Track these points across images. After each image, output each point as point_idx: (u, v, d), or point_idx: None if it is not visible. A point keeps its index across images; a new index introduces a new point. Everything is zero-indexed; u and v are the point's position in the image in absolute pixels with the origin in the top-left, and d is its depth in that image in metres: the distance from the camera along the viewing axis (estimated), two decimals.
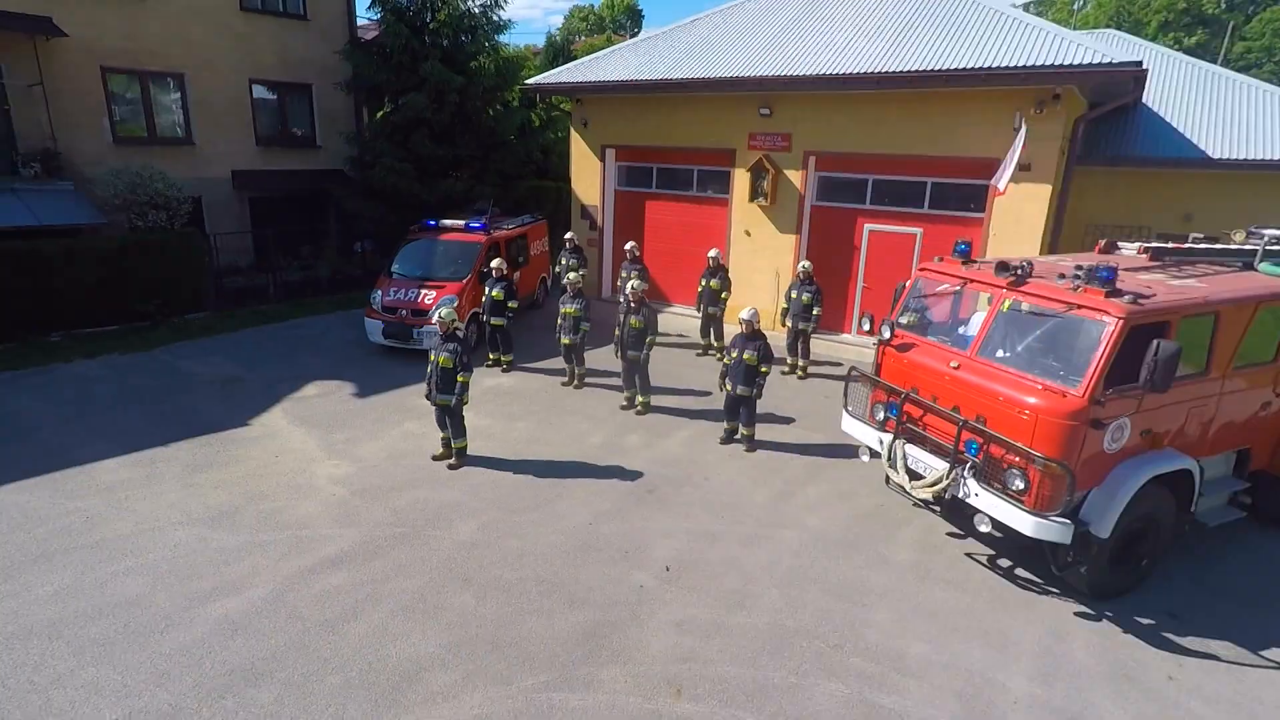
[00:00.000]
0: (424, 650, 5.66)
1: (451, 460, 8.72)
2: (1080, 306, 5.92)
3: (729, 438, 9.57)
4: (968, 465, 6.30)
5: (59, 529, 7.05)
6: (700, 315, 13.20)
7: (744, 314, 9.03)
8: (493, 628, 5.95)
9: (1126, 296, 5.75)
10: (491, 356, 12.22)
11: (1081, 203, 15.34)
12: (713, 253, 12.75)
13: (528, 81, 16.30)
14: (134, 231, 13.64)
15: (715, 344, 13.10)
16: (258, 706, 5.05)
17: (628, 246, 13.61)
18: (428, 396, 8.58)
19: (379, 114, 18.68)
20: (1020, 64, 10.87)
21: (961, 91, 11.86)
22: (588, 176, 16.59)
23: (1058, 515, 5.81)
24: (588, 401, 10.90)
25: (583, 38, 47.68)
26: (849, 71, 12.20)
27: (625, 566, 6.86)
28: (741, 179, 14.35)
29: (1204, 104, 15.01)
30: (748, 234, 14.73)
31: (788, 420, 10.44)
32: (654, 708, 5.20)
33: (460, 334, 8.56)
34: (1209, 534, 7.49)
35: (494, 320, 11.84)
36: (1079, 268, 6.07)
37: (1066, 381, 5.81)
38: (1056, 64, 10.61)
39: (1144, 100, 15.25)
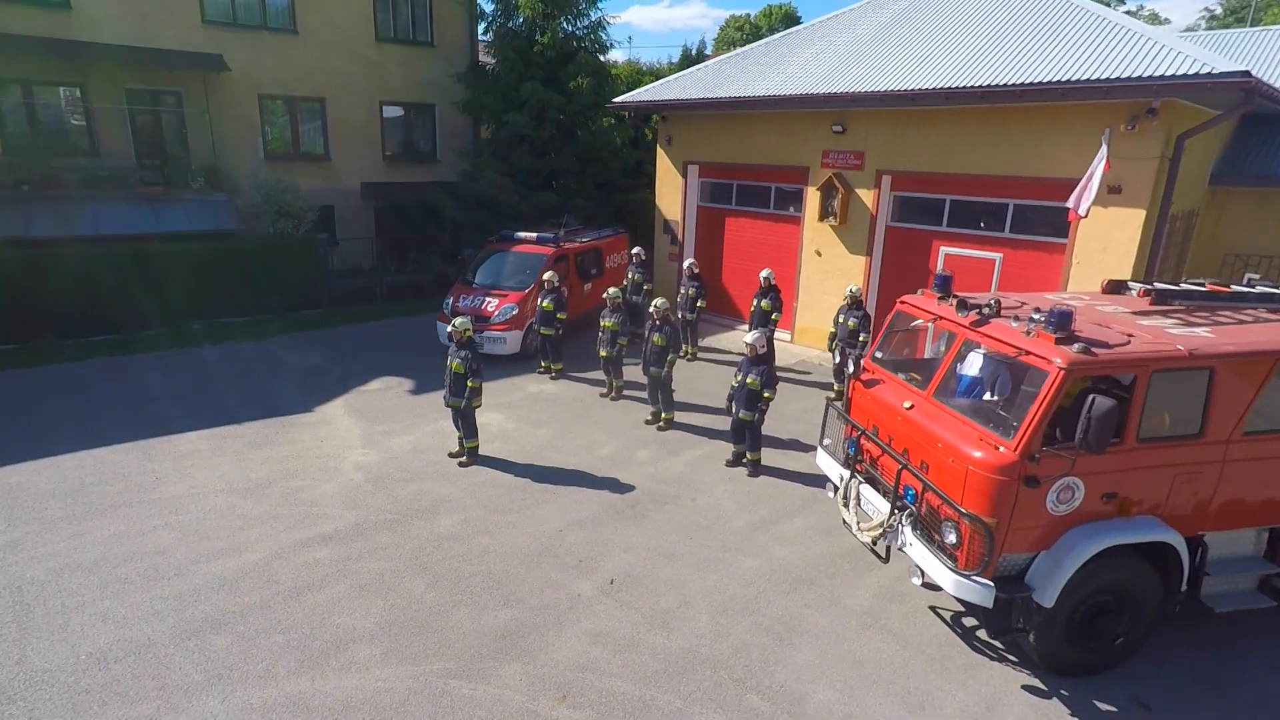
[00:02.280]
0: (360, 625, 6.33)
1: (463, 458, 9.45)
2: (1027, 353, 5.44)
3: (736, 461, 9.54)
4: (906, 513, 5.97)
5: (133, 485, 8.56)
6: None
7: (748, 338, 8.98)
8: (427, 614, 6.51)
9: (1076, 345, 5.22)
10: (543, 364, 12.92)
11: (1221, 228, 13.53)
12: (765, 273, 12.63)
13: (614, 100, 16.96)
14: (265, 237, 15.82)
15: None
16: (211, 650, 5.95)
17: (686, 263, 13.80)
18: (445, 399, 9.37)
19: (488, 130, 20.19)
20: (1101, 77, 9.87)
21: (1043, 107, 10.94)
22: (670, 192, 16.95)
23: (981, 576, 5.38)
24: (616, 414, 11.26)
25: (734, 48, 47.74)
26: (917, 87, 11.64)
27: (573, 575, 7.17)
28: (813, 197, 14.06)
29: None
30: (818, 254, 14.39)
31: (810, 448, 10.16)
32: (535, 708, 5.49)
33: (474, 341, 9.25)
34: (1249, 624, 6.48)
35: (543, 330, 12.54)
36: (1037, 310, 5.57)
37: (1005, 433, 5.38)
38: (1143, 76, 9.54)
39: None
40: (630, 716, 5.44)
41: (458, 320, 9.11)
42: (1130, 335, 5.57)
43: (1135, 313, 6.29)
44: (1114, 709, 5.63)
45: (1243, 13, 43.18)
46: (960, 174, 12.21)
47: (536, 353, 13.27)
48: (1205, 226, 13.48)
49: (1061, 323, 5.33)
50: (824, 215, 13.86)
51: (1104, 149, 9.85)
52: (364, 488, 8.75)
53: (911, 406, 6.21)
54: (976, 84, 10.97)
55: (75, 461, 9.07)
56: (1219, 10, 43.63)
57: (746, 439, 9.30)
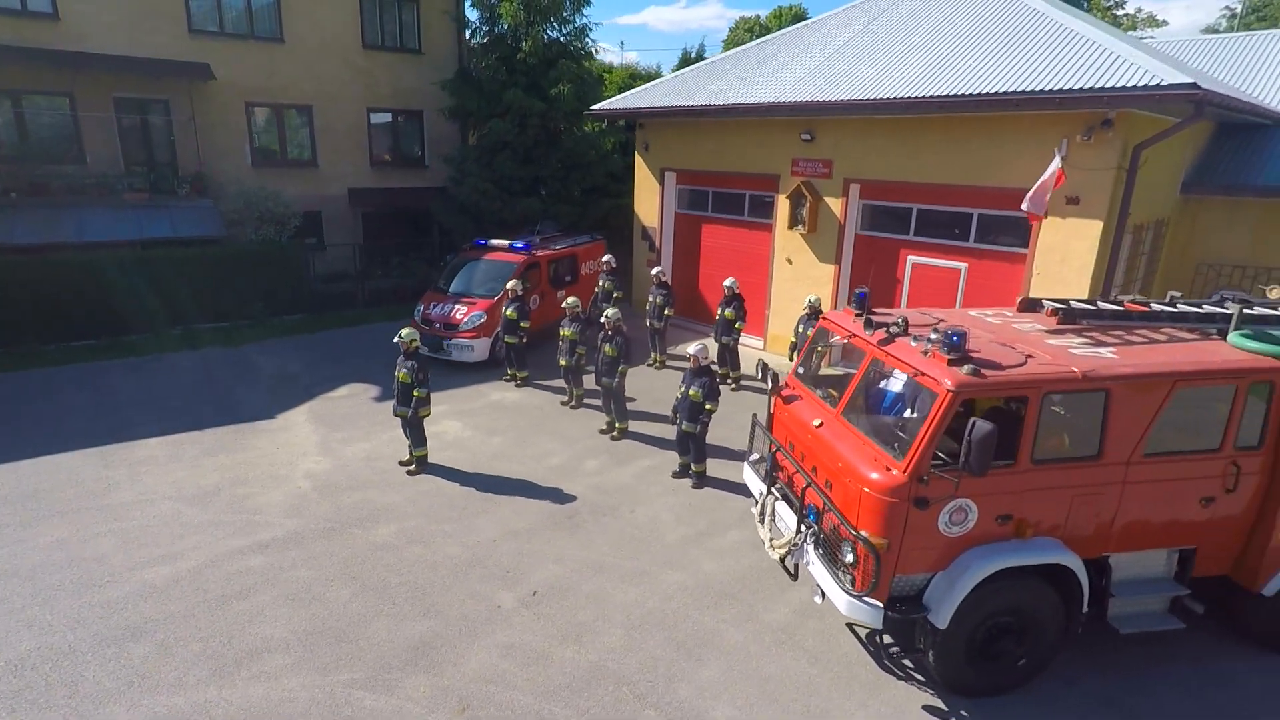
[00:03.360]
0: (278, 634, 6.46)
1: (411, 467, 9.57)
2: (921, 374, 5.44)
3: (682, 472, 9.57)
4: (811, 531, 5.99)
5: (84, 491, 8.76)
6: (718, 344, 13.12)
7: (691, 349, 9.02)
8: (347, 624, 6.62)
9: (967, 366, 5.21)
10: (509, 372, 13.02)
11: (1195, 237, 13.36)
12: (728, 282, 12.65)
13: (593, 107, 17.02)
14: (246, 244, 16.07)
15: (732, 374, 12.95)
16: (128, 658, 6.10)
17: (654, 271, 13.85)
18: (393, 408, 9.49)
19: (475, 137, 20.35)
20: (1056, 87, 9.78)
21: (1002, 117, 10.88)
22: (648, 198, 17.01)
23: (871, 597, 5.39)
24: (574, 423, 11.33)
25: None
26: (880, 96, 11.60)
27: (498, 586, 7.25)
28: (784, 205, 14.05)
29: None
30: (789, 262, 14.38)
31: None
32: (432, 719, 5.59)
33: (421, 352, 9.36)
34: (1166, 646, 6.43)
35: (507, 338, 12.64)
36: (935, 330, 5.57)
37: (899, 454, 5.38)
38: (1094, 87, 9.45)
39: None
40: None
41: (404, 331, 9.24)
42: (1029, 356, 5.55)
43: (1049, 331, 6.25)
44: None
45: (1265, 11, 42.44)
46: (926, 183, 12.16)
47: (505, 360, 13.38)
48: (1179, 236, 13.31)
49: (954, 344, 5.32)
50: (793, 223, 13.84)
51: (1057, 159, 9.83)
52: (310, 496, 8.89)
53: (821, 424, 6.23)
54: (935, 94, 10.92)
55: (33, 467, 9.29)
56: (1240, 9, 42.93)
57: (690, 451, 9.34)
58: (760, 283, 14.93)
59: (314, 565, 7.49)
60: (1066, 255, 10.71)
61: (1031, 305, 6.60)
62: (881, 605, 5.40)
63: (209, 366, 13.35)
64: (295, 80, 18.46)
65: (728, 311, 12.55)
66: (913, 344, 5.73)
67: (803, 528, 6.07)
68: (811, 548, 5.95)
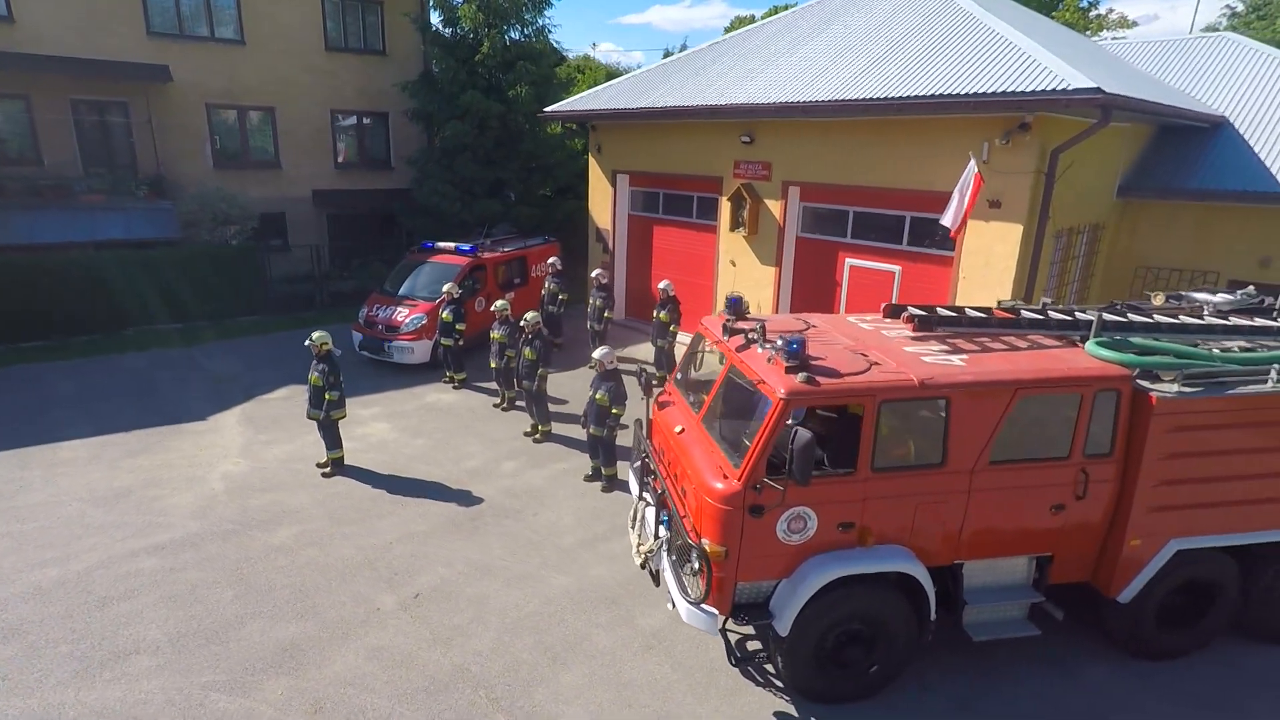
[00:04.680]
0: (152, 635, 6.53)
1: (327, 469, 9.64)
2: (761, 381, 5.46)
3: (594, 475, 9.61)
4: (666, 537, 6.03)
5: None
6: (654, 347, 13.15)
7: (597, 353, 9.05)
8: (222, 625, 6.69)
9: (801, 374, 5.23)
10: (448, 374, 13.07)
11: (1136, 241, 13.31)
12: (663, 284, 12.68)
13: (546, 109, 17.04)
14: (201, 245, 16.18)
15: (668, 377, 12.94)
16: None
17: (594, 274, 13.88)
18: (307, 411, 9.55)
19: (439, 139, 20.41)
20: (969, 91, 9.76)
21: (926, 120, 10.87)
22: (601, 200, 17.04)
23: (709, 604, 5.43)
24: (502, 425, 11.39)
25: None
26: (808, 99, 11.60)
27: (382, 588, 7.31)
28: (726, 208, 14.06)
29: None
30: (733, 264, 14.39)
31: None
32: None
33: (333, 355, 9.42)
34: (1036, 651, 6.44)
35: (444, 341, 12.70)
36: (780, 338, 5.58)
37: (739, 463, 5.40)
38: (1004, 91, 9.44)
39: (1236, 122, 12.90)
40: None
41: (315, 334, 9.29)
42: (875, 364, 5.56)
43: (914, 338, 6.26)
44: None
45: (1265, 10, 42.17)
46: (860, 186, 12.15)
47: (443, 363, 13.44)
48: (1119, 240, 13.25)
49: (793, 351, 5.34)
50: (735, 225, 13.85)
51: (971, 164, 9.81)
52: (219, 498, 8.97)
53: (682, 431, 6.26)
54: (858, 97, 10.92)
55: None
56: (1241, 8, 42.72)
57: (600, 454, 9.37)
58: (707, 285, 14.96)
59: (205, 567, 7.56)
60: (990, 259, 10.68)
61: (896, 312, 6.61)
62: (718, 613, 5.42)
63: (153, 368, 13.46)
64: (257, 82, 18.56)
65: (662, 314, 12.58)
66: (759, 351, 5.75)
67: (660, 533, 6.09)
68: (665, 554, 5.98)
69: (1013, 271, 10.50)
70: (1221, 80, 14.08)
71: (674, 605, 5.92)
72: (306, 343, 9.32)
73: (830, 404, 5.25)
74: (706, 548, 5.37)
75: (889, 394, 5.31)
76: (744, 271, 14.16)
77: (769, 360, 5.55)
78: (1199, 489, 5.87)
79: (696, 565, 5.59)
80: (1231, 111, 13.25)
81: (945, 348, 6.03)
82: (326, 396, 9.24)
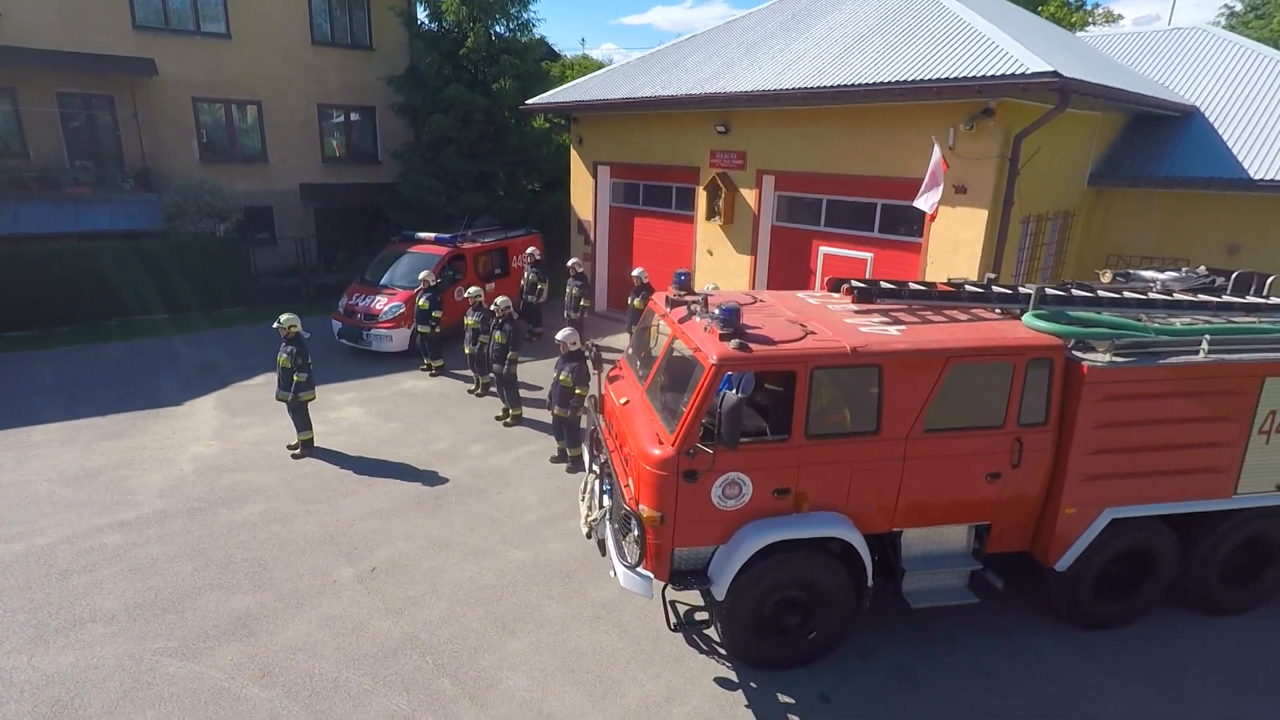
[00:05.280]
0: (109, 605, 6.64)
1: (297, 450, 9.76)
2: (697, 349, 5.56)
3: (560, 456, 9.71)
4: (610, 506, 6.13)
5: None
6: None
7: (560, 335, 9.16)
8: (179, 597, 6.80)
9: (734, 341, 5.33)
10: (425, 361, 13.19)
11: (1108, 229, 13.40)
12: (637, 271, 12.79)
13: (528, 102, 17.16)
14: (186, 237, 16.32)
15: None
16: None
17: (570, 263, 13.98)
18: (276, 394, 9.67)
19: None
20: (923, 77, 9.89)
21: (894, 107, 10.97)
22: (583, 192, 17.15)
23: (646, 568, 5.53)
24: (474, 410, 11.50)
25: None
26: (778, 87, 11.70)
27: (341, 562, 7.42)
28: (702, 197, 14.16)
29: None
30: (710, 253, 14.49)
31: None
32: (229, 686, 5.75)
33: (301, 337, 9.54)
34: (980, 619, 6.53)
35: (420, 328, 12.82)
36: (718, 307, 5.69)
37: (673, 428, 5.50)
38: (965, 76, 9.54)
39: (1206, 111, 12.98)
40: (315, 695, 5.68)
41: (283, 316, 9.42)
42: (811, 333, 5.66)
43: (857, 311, 6.35)
44: (793, 700, 5.73)
45: (1263, 9, 42.24)
46: (831, 174, 12.24)
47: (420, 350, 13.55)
48: (1092, 226, 13.33)
49: (727, 319, 5.44)
50: (710, 215, 13.95)
51: (936, 150, 9.90)
52: (189, 477, 9.09)
53: (626, 402, 6.36)
54: (824, 84, 11.02)
55: None
56: (1239, 8, 42.86)
57: (565, 435, 9.48)
58: None
59: (167, 542, 7.68)
60: (957, 244, 10.77)
61: (837, 286, 6.71)
62: (653, 577, 5.53)
63: (135, 357, 13.59)
64: (243, 76, 18.70)
65: (636, 301, 12.68)
66: (698, 321, 5.85)
67: (604, 502, 6.20)
68: (608, 522, 6.08)
69: (979, 256, 10.58)
70: (1195, 71, 14.17)
71: (616, 572, 6.02)
72: (275, 325, 9.44)
73: (762, 370, 5.33)
74: (643, 513, 5.48)
75: (821, 361, 5.41)
76: (720, 260, 14.26)
77: (705, 329, 5.65)
78: (1132, 458, 5.95)
79: (636, 532, 5.69)
80: (1203, 101, 13.33)
81: (886, 319, 6.13)
82: (295, 378, 9.35)
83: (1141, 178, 12.28)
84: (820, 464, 5.58)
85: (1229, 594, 6.68)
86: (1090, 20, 25.41)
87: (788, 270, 13.48)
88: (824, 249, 12.96)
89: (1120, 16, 28.02)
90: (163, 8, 17.54)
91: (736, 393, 4.90)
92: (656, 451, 5.42)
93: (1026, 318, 6.08)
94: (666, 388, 6.10)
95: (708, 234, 14.37)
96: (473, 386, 12.21)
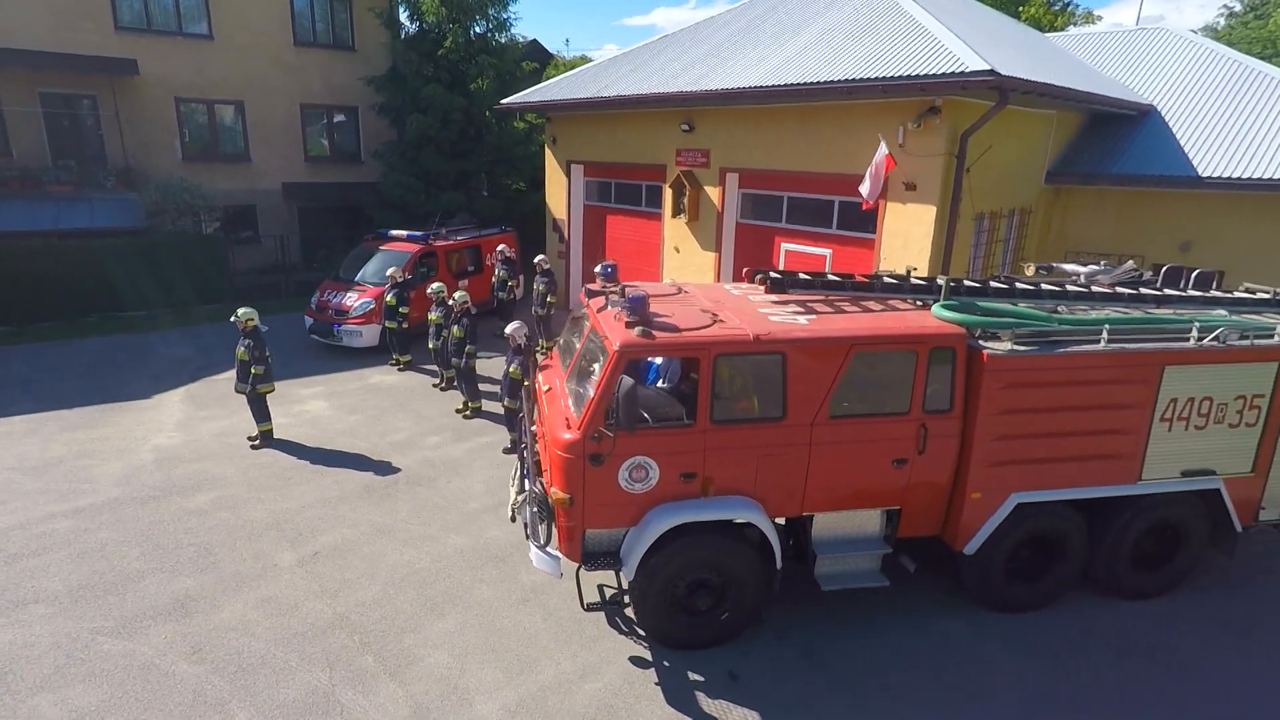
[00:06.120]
0: (53, 587, 6.86)
1: (256, 441, 9.98)
2: (606, 337, 5.76)
3: (513, 448, 9.90)
4: (529, 491, 6.32)
5: None
6: None
7: (509, 328, 9.36)
8: (122, 579, 7.02)
9: (638, 329, 5.53)
10: (394, 357, 13.40)
11: (1067, 226, 13.54)
12: (598, 268, 12.91)
13: (502, 101, 17.38)
14: (164, 234, 16.59)
15: None
16: None
17: (537, 260, 14.19)
18: (234, 386, 9.89)
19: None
20: (869, 76, 10.05)
21: (847, 105, 11.13)
22: (557, 191, 17.36)
23: (556, 549, 5.73)
24: (437, 403, 11.71)
25: None
26: (732, 86, 11.91)
27: (284, 547, 7.63)
28: (668, 195, 14.35)
29: (1234, 113, 12.49)
30: (677, 250, 14.68)
31: None
32: (158, 662, 5.96)
33: (259, 330, 9.76)
34: (894, 601, 6.72)
35: (387, 323, 13.04)
36: (621, 297, 5.89)
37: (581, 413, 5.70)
38: (907, 75, 9.71)
39: (1163, 110, 13.14)
40: (241, 671, 5.89)
41: (240, 310, 9.63)
42: (718, 321, 5.85)
43: (777, 302, 6.53)
44: (702, 678, 5.91)
45: (1262, 9, 42.27)
46: (791, 171, 12.42)
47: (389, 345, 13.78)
48: (1051, 224, 13.48)
49: (633, 307, 5.64)
50: (676, 212, 14.15)
51: (882, 146, 10.09)
52: (147, 467, 9.32)
53: (549, 389, 6.56)
54: (779, 83, 11.20)
55: None
56: (1238, 8, 42.91)
57: (516, 426, 9.67)
58: (654, 271, 15.24)
59: (118, 528, 7.90)
60: (908, 240, 10.94)
61: (754, 276, 6.90)
62: (561, 556, 5.73)
63: (110, 352, 13.84)
64: (225, 76, 18.97)
65: None
66: (610, 309, 6.05)
67: (525, 486, 6.40)
68: (529, 506, 6.28)
69: (929, 252, 10.74)
70: (1156, 71, 14.30)
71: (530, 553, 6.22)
72: (232, 319, 9.66)
73: (666, 356, 5.52)
74: (553, 495, 5.67)
75: (723, 348, 5.59)
76: (687, 257, 14.45)
77: (615, 318, 5.85)
78: (1037, 444, 6.12)
79: (548, 513, 5.89)
80: (1161, 101, 13.47)
81: (800, 309, 6.31)
82: (252, 371, 9.58)
83: (1097, 175, 12.43)
84: (726, 449, 5.76)
85: (1141, 578, 6.84)
86: (1073, 21, 25.53)
87: (749, 266, 13.61)
88: (786, 245, 13.14)
89: (1100, 17, 28.11)
90: (145, 9, 17.82)
91: (632, 379, 5.10)
92: (566, 435, 5.62)
93: (935, 308, 6.26)
94: (582, 375, 6.29)
95: (674, 231, 14.56)
96: (437, 381, 12.43)
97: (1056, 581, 6.65)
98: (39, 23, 16.49)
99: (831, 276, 6.76)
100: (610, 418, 5.48)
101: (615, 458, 5.56)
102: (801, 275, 6.67)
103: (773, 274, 6.52)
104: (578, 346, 6.57)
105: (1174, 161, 11.96)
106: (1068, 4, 26.22)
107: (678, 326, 5.67)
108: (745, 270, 6.88)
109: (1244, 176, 11.07)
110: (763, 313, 6.18)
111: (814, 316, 6.13)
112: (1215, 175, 11.29)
